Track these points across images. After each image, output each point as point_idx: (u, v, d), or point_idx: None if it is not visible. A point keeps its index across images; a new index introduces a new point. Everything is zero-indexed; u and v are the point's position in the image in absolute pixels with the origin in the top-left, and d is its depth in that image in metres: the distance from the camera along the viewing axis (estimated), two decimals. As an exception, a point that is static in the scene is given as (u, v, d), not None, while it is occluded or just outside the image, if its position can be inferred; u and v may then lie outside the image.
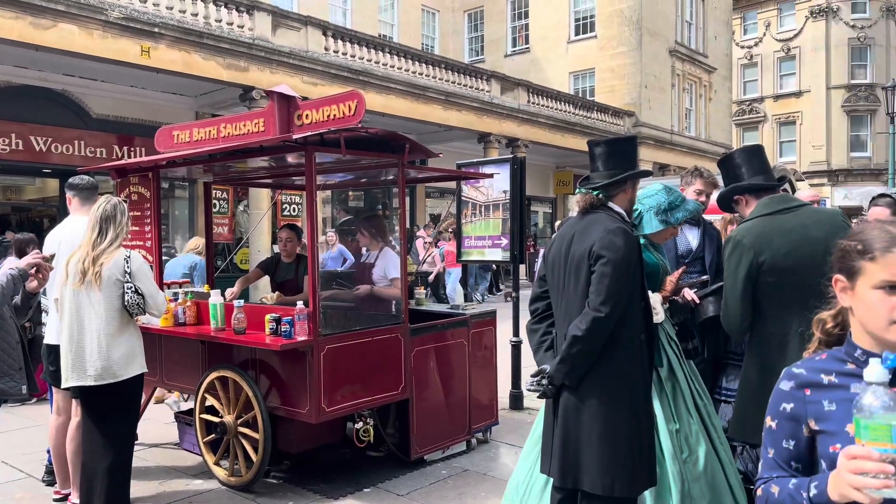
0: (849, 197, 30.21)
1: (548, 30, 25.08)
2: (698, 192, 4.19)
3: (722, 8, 28.64)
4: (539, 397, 2.94)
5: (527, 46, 25.77)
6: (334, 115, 4.32)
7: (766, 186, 3.02)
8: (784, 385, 1.52)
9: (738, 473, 3.47)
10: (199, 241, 7.54)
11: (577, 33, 24.80)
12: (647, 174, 3.22)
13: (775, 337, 2.80)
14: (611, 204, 2.95)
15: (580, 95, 23.45)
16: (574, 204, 3.02)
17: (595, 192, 2.94)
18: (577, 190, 3.04)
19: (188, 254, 7.62)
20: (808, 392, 1.48)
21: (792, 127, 35.49)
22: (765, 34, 35.87)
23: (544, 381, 2.85)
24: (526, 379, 3.04)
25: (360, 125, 4.22)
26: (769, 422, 1.53)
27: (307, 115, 4.51)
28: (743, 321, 2.86)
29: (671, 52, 24.95)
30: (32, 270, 3.34)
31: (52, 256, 3.64)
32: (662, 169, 22.98)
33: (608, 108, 22.50)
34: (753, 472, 3.76)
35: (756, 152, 3.17)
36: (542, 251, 14.39)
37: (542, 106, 20.02)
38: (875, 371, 1.26)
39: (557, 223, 17.55)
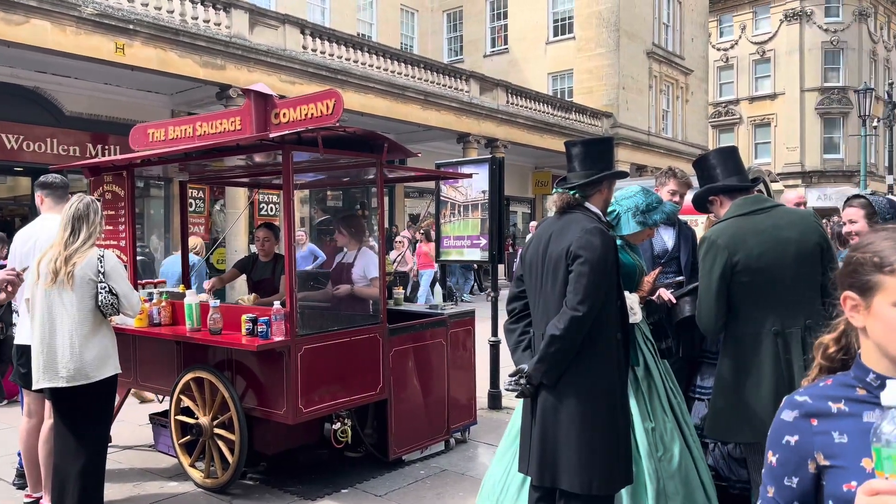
0: (822, 198, 30.71)
1: (526, 31, 25.16)
2: (672, 193, 4.24)
3: (698, 10, 28.94)
4: (517, 397, 2.95)
5: (506, 47, 25.84)
6: (312, 114, 4.29)
7: (740, 187, 3.06)
8: (786, 415, 1.34)
9: (709, 470, 3.52)
10: (196, 241, 7.65)
11: (555, 34, 24.91)
12: (623, 175, 3.25)
13: (749, 336, 2.84)
14: (587, 204, 2.99)
15: (558, 96, 23.57)
16: (551, 204, 3.05)
17: (572, 192, 2.97)
18: (554, 190, 3.06)
19: None
20: (814, 422, 1.30)
21: (767, 129, 35.97)
22: (740, 37, 36.31)
23: (522, 381, 2.86)
24: (504, 378, 3.04)
25: (337, 124, 4.19)
26: (770, 457, 1.36)
27: (284, 114, 4.48)
28: (717, 321, 2.90)
29: (648, 53, 25.16)
30: (3, 285, 3.30)
31: (25, 270, 3.59)
32: (640, 170, 23.16)
33: (586, 110, 22.63)
34: (723, 469, 3.82)
35: (730, 153, 3.21)
36: (520, 251, 14.37)
37: (521, 106, 20.09)
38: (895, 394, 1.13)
39: (532, 224, 17.61)
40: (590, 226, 2.84)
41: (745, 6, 36.14)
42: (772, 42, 35.26)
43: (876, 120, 24.81)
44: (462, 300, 15.62)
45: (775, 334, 2.78)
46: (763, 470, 1.38)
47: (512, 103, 19.78)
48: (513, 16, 25.49)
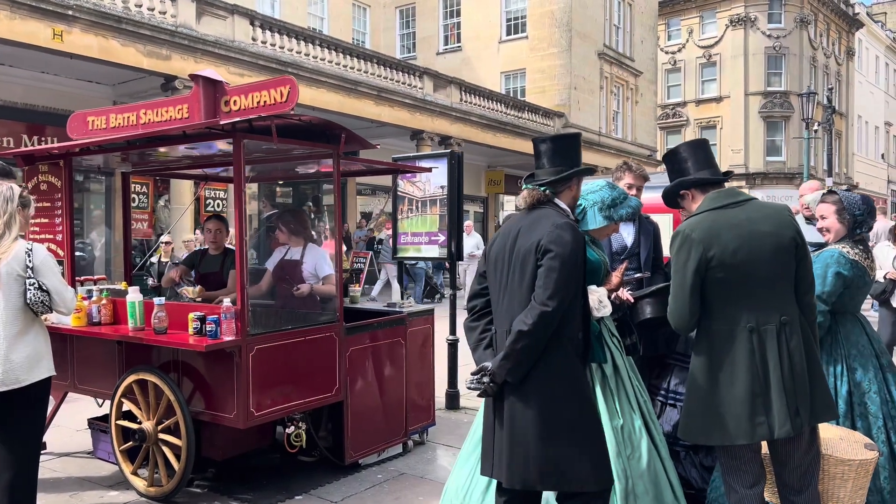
0: (767, 199, 31.58)
1: (479, 29, 25.14)
2: (629, 186, 4.21)
3: (648, 13, 29.41)
4: (480, 395, 2.85)
5: (458, 45, 25.76)
6: (265, 102, 4.07)
7: (712, 180, 2.98)
8: None
9: (677, 475, 3.47)
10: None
11: (508, 33, 24.96)
12: (592, 171, 3.20)
13: (723, 333, 2.75)
14: (557, 200, 2.96)
15: (511, 95, 23.60)
16: (520, 200, 2.99)
17: (542, 189, 2.90)
18: (524, 186, 3.02)
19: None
20: None
21: (713, 131, 36.80)
22: (688, 40, 37.10)
23: (485, 379, 2.76)
24: (465, 377, 2.93)
25: (292, 112, 3.99)
26: None
27: (235, 102, 4.23)
28: (691, 317, 2.81)
29: (600, 54, 25.43)
30: None
31: None
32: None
33: (539, 109, 22.72)
34: (696, 479, 3.75)
35: (701, 145, 3.13)
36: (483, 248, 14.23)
37: (475, 105, 20.03)
38: None
39: (467, 223, 17.57)
40: (560, 221, 2.80)
41: (693, 10, 36.95)
42: (718, 46, 36.12)
43: (816, 124, 25.60)
44: (446, 295, 15.54)
45: (750, 331, 2.70)
46: None
47: (465, 101, 19.71)
48: (466, 14, 25.43)
